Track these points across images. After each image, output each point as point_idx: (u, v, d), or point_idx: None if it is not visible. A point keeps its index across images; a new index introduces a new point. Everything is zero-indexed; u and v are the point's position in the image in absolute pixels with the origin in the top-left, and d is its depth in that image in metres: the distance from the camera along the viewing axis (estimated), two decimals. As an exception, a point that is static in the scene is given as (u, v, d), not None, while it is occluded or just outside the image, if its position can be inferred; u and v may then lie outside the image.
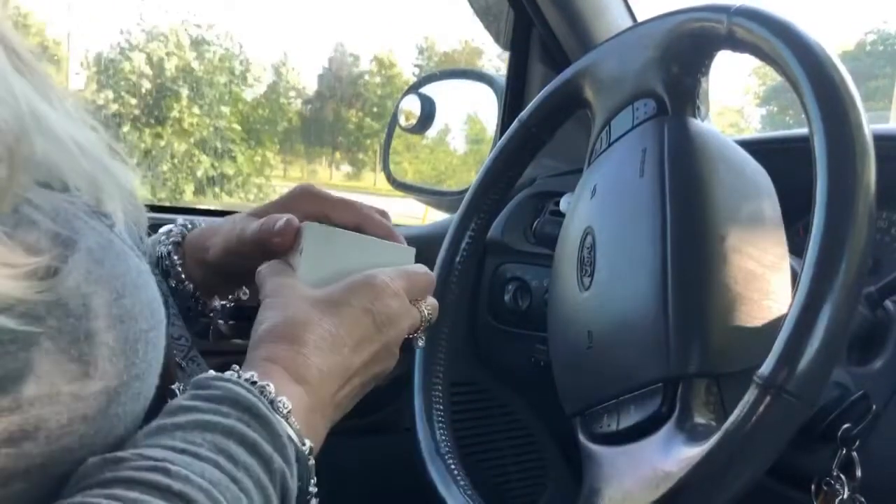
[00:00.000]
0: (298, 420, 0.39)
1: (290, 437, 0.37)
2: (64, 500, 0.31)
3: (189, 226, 0.57)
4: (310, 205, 0.52)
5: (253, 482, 0.34)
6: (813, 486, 0.59)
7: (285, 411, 0.38)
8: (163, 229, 0.57)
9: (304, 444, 0.39)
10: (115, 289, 0.35)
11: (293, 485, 0.37)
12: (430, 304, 0.51)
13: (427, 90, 1.18)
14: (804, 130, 0.48)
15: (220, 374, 0.39)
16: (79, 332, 0.33)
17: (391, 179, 1.24)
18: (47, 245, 0.33)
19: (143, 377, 0.37)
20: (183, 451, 0.33)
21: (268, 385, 0.38)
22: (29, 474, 0.33)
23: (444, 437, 0.73)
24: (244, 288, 0.59)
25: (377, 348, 0.46)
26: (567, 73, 0.71)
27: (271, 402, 0.37)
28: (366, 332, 0.45)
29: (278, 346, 0.41)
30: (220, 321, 0.58)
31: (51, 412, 0.32)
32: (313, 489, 0.39)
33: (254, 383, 0.38)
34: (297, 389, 0.40)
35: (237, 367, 0.40)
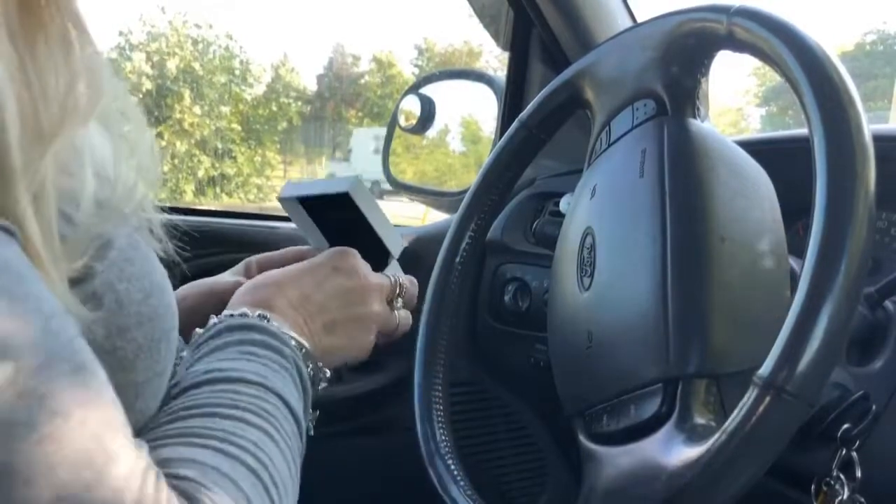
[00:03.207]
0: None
1: (279, 334, 0.47)
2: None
3: None
4: (263, 262, 0.62)
5: (271, 363, 0.44)
6: (813, 487, 0.59)
7: (266, 319, 0.47)
8: None
9: (298, 343, 0.48)
10: (143, 288, 0.37)
11: (303, 365, 0.47)
12: (405, 314, 0.58)
13: (427, 91, 1.18)
14: (804, 130, 0.48)
15: (217, 318, 0.48)
16: (112, 325, 0.35)
17: (391, 180, 1.24)
18: (88, 246, 0.34)
19: (162, 375, 0.39)
20: (221, 359, 0.43)
21: (242, 310, 0.48)
22: None
23: (444, 437, 0.73)
24: None
25: (342, 300, 0.53)
26: (567, 73, 0.71)
27: (261, 318, 0.47)
28: (326, 279, 0.53)
29: (253, 292, 0.50)
30: None
31: None
32: (317, 373, 0.50)
33: (232, 315, 0.47)
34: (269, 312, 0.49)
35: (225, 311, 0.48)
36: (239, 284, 0.55)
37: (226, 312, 0.48)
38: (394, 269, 0.60)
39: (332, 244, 0.60)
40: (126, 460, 0.30)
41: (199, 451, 0.36)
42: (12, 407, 0.27)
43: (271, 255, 0.62)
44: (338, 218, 0.58)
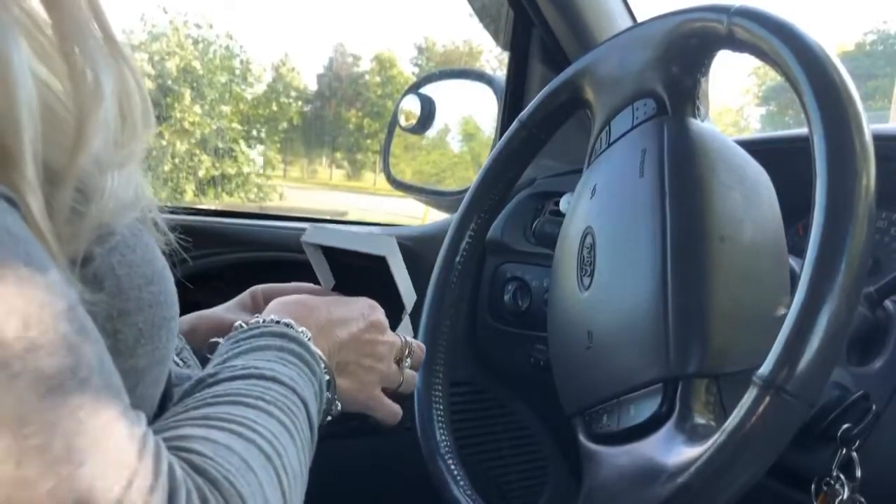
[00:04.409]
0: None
1: (314, 352, 0.49)
2: (184, 402, 0.40)
3: None
4: (267, 293, 0.63)
5: (304, 375, 0.46)
6: (813, 487, 0.59)
7: (307, 337, 0.49)
8: None
9: (326, 366, 0.50)
10: (144, 274, 0.37)
11: (325, 388, 0.49)
12: (410, 374, 0.60)
13: (427, 90, 1.18)
14: (804, 130, 0.48)
15: (253, 322, 0.49)
16: (113, 309, 0.35)
17: (391, 179, 1.24)
18: (90, 232, 0.35)
19: (162, 363, 0.39)
20: (258, 359, 0.44)
21: (285, 319, 0.50)
22: None
23: (444, 437, 0.73)
24: None
25: (362, 349, 0.54)
26: (567, 73, 0.71)
27: (287, 326, 0.49)
28: (355, 324, 0.54)
29: (286, 306, 0.53)
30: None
31: None
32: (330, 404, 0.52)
33: (277, 322, 0.49)
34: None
35: (258, 315, 0.51)
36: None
37: (270, 317, 0.50)
38: (405, 327, 0.62)
39: (342, 287, 0.62)
40: (122, 427, 0.30)
41: (215, 432, 0.36)
42: (11, 361, 0.27)
43: (279, 287, 0.64)
44: (359, 266, 0.58)
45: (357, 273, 0.59)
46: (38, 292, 0.28)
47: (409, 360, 0.59)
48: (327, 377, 0.50)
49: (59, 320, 0.29)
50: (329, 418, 0.52)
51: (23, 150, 0.30)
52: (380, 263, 0.57)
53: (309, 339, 0.49)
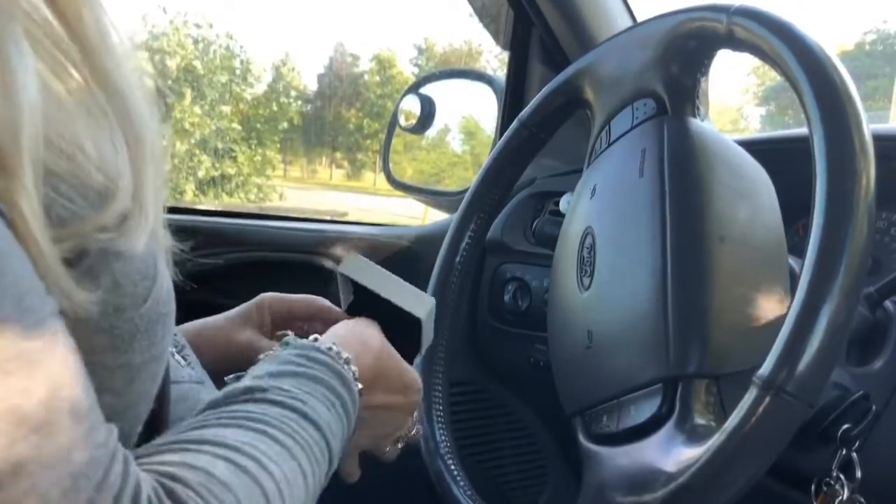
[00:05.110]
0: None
1: (356, 392, 0.48)
2: (221, 408, 0.40)
3: None
4: (275, 304, 0.63)
5: (341, 425, 0.45)
6: (813, 487, 0.59)
7: (356, 375, 0.48)
8: None
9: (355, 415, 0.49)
10: (140, 269, 0.37)
11: (350, 433, 0.48)
12: (419, 427, 0.61)
13: (427, 90, 1.18)
14: (804, 130, 0.48)
15: (314, 344, 0.49)
16: (108, 305, 0.35)
17: (391, 179, 1.24)
18: (87, 231, 0.35)
19: (159, 359, 0.39)
20: (301, 390, 0.44)
21: (346, 354, 0.49)
22: None
23: (444, 437, 0.73)
24: None
25: (391, 407, 0.54)
26: (567, 73, 0.71)
27: (346, 363, 0.48)
28: (396, 385, 0.53)
29: (349, 338, 0.52)
30: None
31: None
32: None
33: (338, 353, 0.48)
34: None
35: (317, 337, 0.50)
36: (253, 339, 0.60)
37: (335, 349, 0.48)
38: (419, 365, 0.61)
39: (361, 312, 0.58)
40: (89, 446, 0.30)
41: (221, 464, 0.36)
42: None
43: (288, 298, 0.63)
44: (388, 313, 0.56)
45: (387, 315, 0.57)
46: (6, 308, 0.28)
47: (404, 440, 0.59)
48: (354, 422, 0.49)
49: (25, 339, 0.28)
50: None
51: (21, 154, 0.30)
52: (411, 322, 0.56)
53: (360, 392, 0.48)
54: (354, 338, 0.52)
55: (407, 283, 0.57)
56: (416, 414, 0.59)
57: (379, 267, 0.58)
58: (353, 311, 0.58)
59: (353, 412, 0.47)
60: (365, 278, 0.57)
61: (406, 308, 0.56)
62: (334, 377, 0.46)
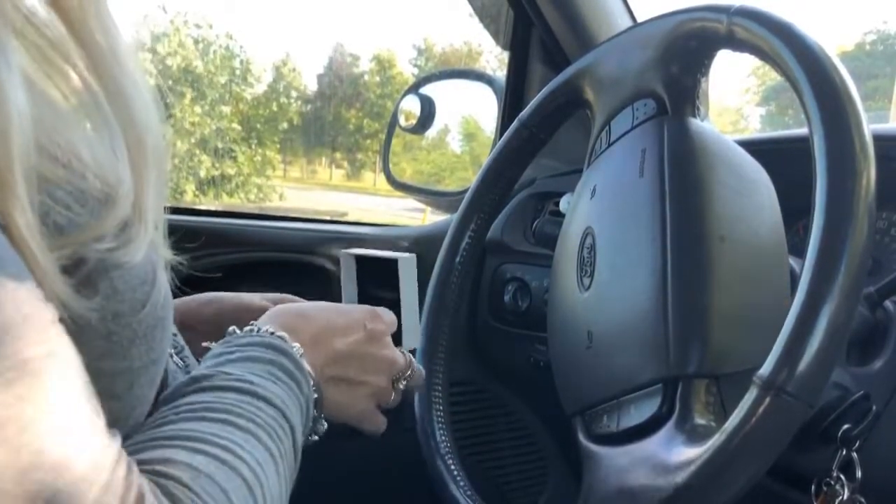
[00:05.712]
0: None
1: (304, 369, 0.48)
2: (172, 404, 0.40)
3: None
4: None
5: (293, 394, 0.45)
6: (813, 487, 0.59)
7: (300, 354, 0.48)
8: None
9: (311, 377, 0.49)
10: (138, 275, 0.37)
11: (311, 394, 0.48)
12: (396, 393, 0.58)
13: (427, 90, 1.18)
14: (804, 130, 0.48)
15: (236, 330, 0.49)
16: (107, 311, 0.35)
17: (391, 180, 1.24)
18: (85, 239, 0.35)
19: (157, 362, 0.40)
20: (252, 372, 0.44)
21: (267, 327, 0.49)
22: None
23: (444, 437, 0.73)
24: None
25: (359, 362, 0.53)
26: (567, 73, 0.71)
27: (272, 334, 0.48)
28: (353, 334, 0.53)
29: (281, 316, 0.52)
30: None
31: None
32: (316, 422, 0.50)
33: (259, 329, 0.49)
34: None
35: (254, 323, 0.50)
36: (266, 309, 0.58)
37: (265, 327, 0.49)
38: (411, 336, 0.62)
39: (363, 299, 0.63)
40: (93, 451, 0.30)
41: (199, 457, 0.36)
42: None
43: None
44: (376, 270, 0.60)
45: (376, 277, 0.60)
46: (6, 316, 0.28)
47: (404, 381, 0.58)
48: (315, 395, 0.49)
49: (26, 346, 0.28)
50: (315, 438, 0.51)
51: (11, 164, 0.30)
52: (392, 268, 0.59)
53: (301, 356, 0.48)
54: (287, 311, 0.52)
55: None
56: (406, 355, 0.58)
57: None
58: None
59: (303, 376, 0.47)
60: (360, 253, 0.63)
61: (387, 256, 0.60)
62: (268, 350, 0.46)
